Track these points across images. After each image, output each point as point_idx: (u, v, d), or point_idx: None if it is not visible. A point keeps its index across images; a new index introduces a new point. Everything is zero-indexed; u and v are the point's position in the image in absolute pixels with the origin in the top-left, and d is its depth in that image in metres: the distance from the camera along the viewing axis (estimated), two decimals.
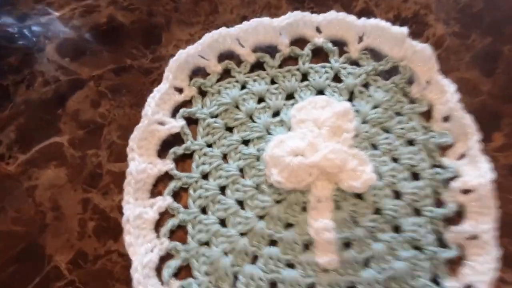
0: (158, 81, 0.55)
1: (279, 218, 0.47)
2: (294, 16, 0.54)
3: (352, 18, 0.54)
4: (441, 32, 0.56)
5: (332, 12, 0.55)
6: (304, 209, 0.47)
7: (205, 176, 0.51)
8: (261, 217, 0.48)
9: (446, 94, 0.50)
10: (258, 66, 0.56)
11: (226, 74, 0.56)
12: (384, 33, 0.53)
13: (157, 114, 0.52)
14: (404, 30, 0.52)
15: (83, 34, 0.59)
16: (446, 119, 0.50)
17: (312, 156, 0.45)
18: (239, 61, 0.56)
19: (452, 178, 0.48)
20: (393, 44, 0.53)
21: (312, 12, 0.56)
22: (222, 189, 0.50)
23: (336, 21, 0.54)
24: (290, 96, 0.55)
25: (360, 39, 0.55)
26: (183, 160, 0.52)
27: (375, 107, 0.53)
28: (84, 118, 0.54)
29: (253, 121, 0.53)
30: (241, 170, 0.51)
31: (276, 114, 0.53)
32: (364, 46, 0.55)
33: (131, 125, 0.51)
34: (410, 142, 0.51)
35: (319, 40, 0.56)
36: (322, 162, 0.45)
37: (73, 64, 0.57)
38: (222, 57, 0.56)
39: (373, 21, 0.54)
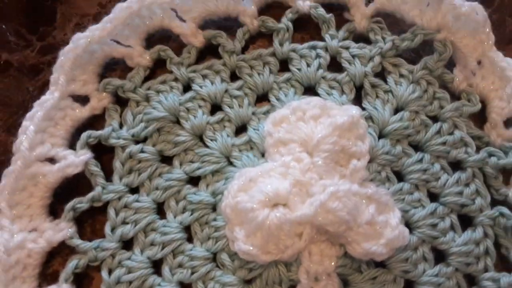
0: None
1: None
2: None
3: None
4: None
5: None
6: None
7: (127, 244, 0.43)
8: None
9: (510, 82, 0.44)
10: (209, 51, 0.48)
11: (158, 68, 0.48)
12: None
13: (40, 146, 0.43)
14: None
15: None
16: (510, 122, 0.45)
17: (301, 206, 0.38)
18: (178, 46, 0.48)
19: None
20: (422, 5, 0.47)
21: None
22: (156, 265, 0.42)
23: None
24: (262, 100, 0.48)
25: None
26: (92, 218, 0.44)
27: (398, 109, 0.46)
28: None
29: (204, 145, 0.45)
30: (186, 229, 0.43)
31: (240, 130, 0.46)
32: (376, 10, 0.48)
33: (5, 164, 0.43)
34: (457, 165, 0.44)
35: (304, 3, 0.48)
36: (319, 216, 0.37)
37: None
38: (150, 40, 0.48)
39: None
